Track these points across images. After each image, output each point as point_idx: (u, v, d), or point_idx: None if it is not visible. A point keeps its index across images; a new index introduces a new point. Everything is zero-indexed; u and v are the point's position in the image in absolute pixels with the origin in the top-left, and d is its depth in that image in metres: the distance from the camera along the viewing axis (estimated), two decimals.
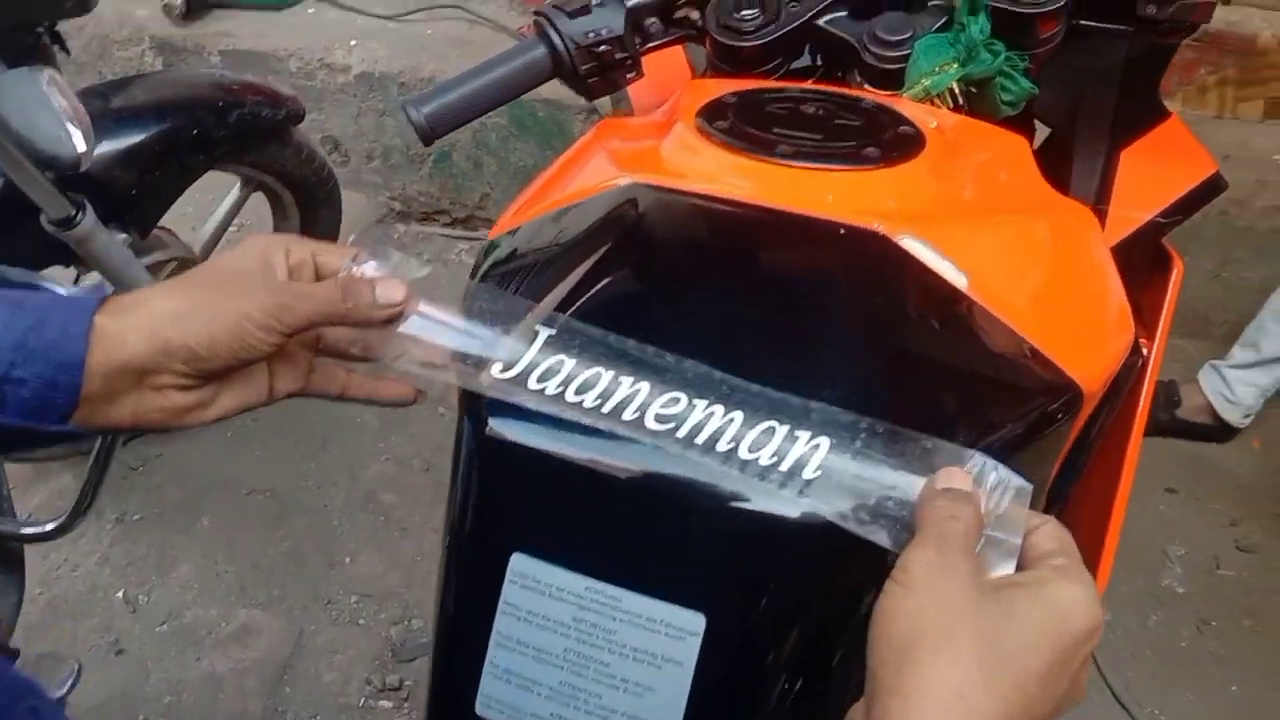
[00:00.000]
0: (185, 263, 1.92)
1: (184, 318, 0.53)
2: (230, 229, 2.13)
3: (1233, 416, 2.24)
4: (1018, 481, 0.49)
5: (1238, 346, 2.22)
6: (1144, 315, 1.07)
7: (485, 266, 0.70)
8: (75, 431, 0.53)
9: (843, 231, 0.64)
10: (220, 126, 1.77)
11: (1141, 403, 0.98)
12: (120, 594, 1.90)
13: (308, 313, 0.55)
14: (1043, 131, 1.10)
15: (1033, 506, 0.69)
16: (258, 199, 2.09)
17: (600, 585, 0.53)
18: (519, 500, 0.57)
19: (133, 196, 1.67)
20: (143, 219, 1.74)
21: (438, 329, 0.59)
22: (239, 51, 2.72)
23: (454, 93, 0.88)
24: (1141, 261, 1.06)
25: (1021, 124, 1.06)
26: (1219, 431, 2.29)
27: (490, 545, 0.57)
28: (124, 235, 1.69)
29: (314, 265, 0.60)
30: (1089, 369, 0.64)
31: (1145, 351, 1.03)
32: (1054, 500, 0.84)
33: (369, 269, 0.60)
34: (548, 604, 0.54)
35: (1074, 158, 1.02)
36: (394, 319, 0.58)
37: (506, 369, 0.55)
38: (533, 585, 0.54)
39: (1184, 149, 1.05)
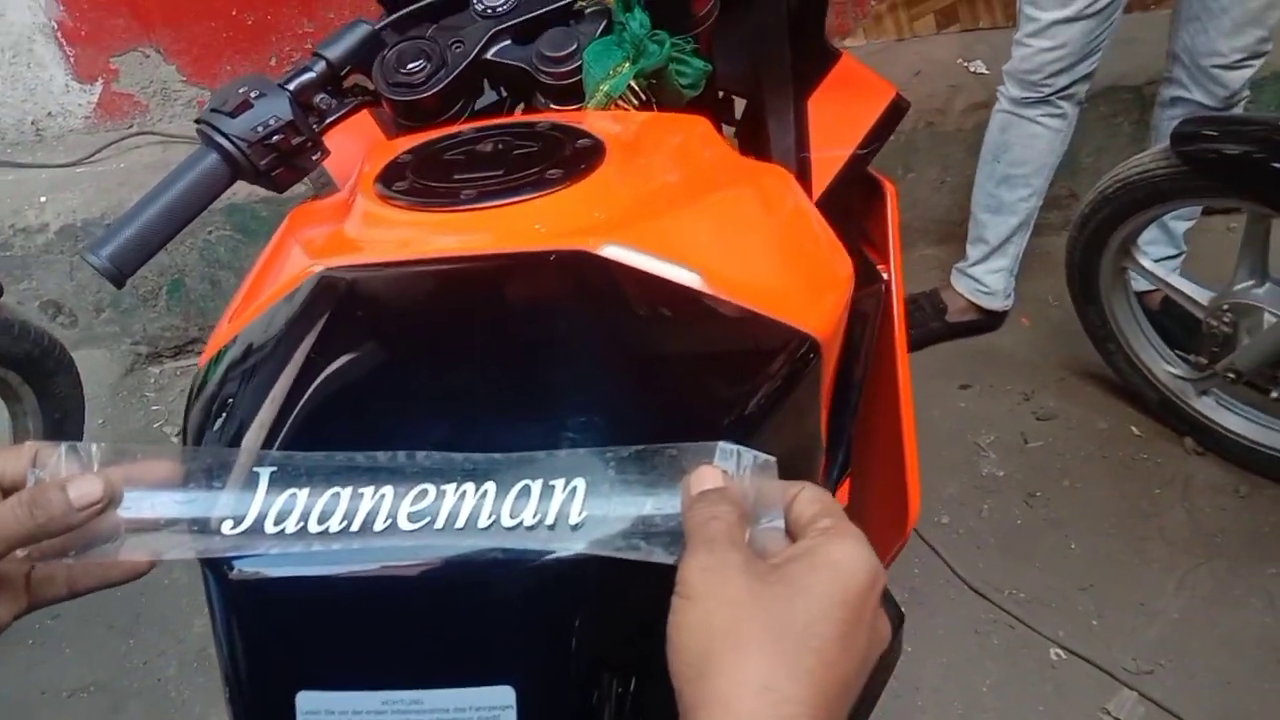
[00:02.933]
0: None
1: None
2: None
3: (995, 304, 2.40)
4: (762, 458, 0.49)
5: (969, 245, 2.40)
6: (877, 243, 1.12)
7: (198, 402, 0.65)
8: None
9: (548, 258, 0.63)
10: None
11: (896, 323, 1.02)
12: None
13: None
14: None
15: (809, 459, 0.70)
16: None
17: (396, 694, 0.50)
18: (286, 636, 0.53)
19: None
20: None
21: (153, 504, 0.53)
22: None
23: (132, 226, 0.82)
24: (858, 195, 1.11)
25: (713, 103, 1.08)
26: (989, 321, 2.45)
27: (271, 692, 0.52)
28: None
29: None
30: (819, 315, 0.66)
31: (886, 276, 1.07)
32: (837, 443, 0.86)
33: (55, 466, 0.53)
34: None
35: (767, 118, 1.06)
36: (100, 514, 0.52)
37: (238, 524, 0.51)
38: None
39: (862, 82, 1.10)
